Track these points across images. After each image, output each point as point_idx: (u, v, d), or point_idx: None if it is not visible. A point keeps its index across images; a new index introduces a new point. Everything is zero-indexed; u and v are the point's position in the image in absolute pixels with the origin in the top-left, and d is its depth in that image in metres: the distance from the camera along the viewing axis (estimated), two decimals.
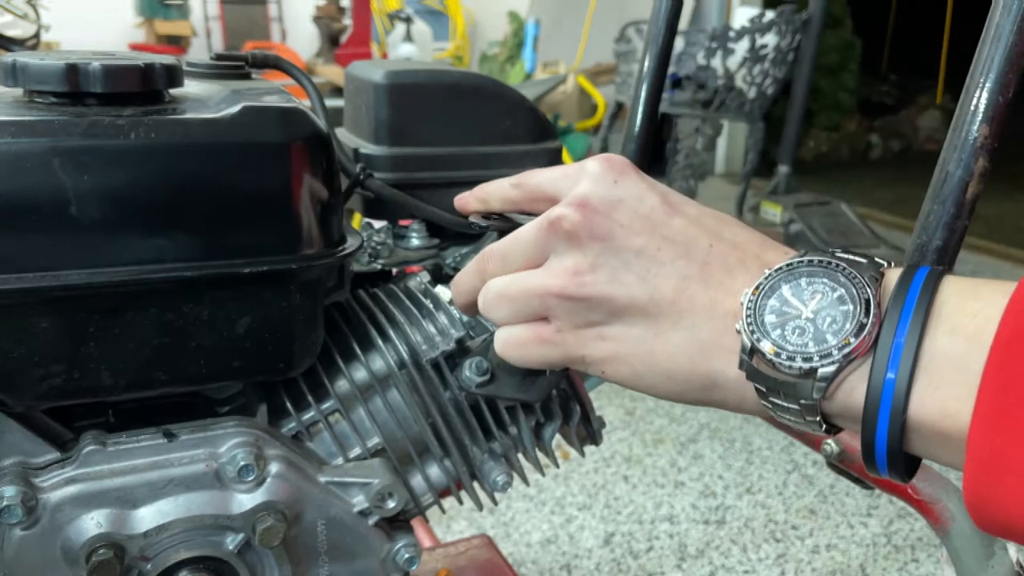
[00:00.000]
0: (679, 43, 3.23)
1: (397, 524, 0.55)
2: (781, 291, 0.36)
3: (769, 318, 0.36)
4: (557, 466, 0.63)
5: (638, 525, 1.78)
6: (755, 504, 1.87)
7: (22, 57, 0.45)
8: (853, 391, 0.34)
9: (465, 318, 0.56)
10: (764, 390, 0.37)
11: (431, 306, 0.58)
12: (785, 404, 0.36)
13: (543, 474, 0.62)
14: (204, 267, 0.46)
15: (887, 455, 0.35)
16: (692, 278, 0.39)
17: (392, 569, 0.54)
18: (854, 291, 0.35)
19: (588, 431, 0.59)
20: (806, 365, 0.35)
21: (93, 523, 0.46)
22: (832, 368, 0.34)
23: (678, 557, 1.68)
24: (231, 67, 0.62)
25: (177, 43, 4.93)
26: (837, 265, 0.36)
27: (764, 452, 2.07)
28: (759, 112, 3.31)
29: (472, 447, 0.56)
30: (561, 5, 5.04)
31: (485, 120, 0.66)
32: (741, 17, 3.35)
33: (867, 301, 0.35)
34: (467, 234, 0.66)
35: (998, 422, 0.31)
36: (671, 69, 3.10)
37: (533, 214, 0.50)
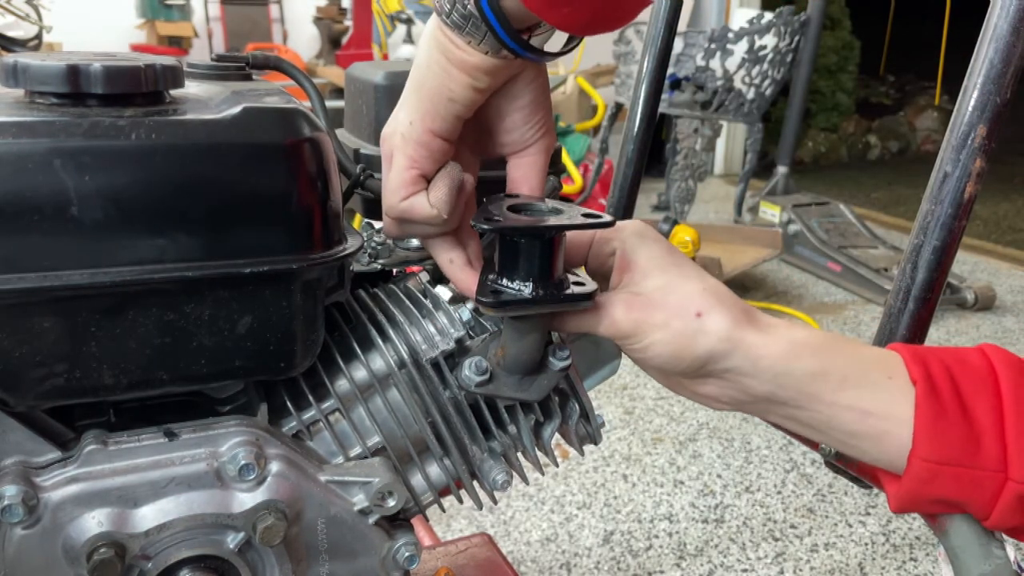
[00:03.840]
0: (678, 44, 3.24)
1: (397, 523, 0.55)
2: None
3: None
4: (556, 465, 0.63)
5: (637, 524, 1.78)
6: (754, 503, 1.87)
7: (23, 58, 0.45)
8: None
9: (465, 318, 0.57)
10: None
11: (431, 306, 0.58)
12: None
13: (543, 473, 0.62)
14: (205, 267, 0.46)
15: None
16: None
17: (392, 567, 0.54)
18: None
19: (587, 430, 0.59)
20: None
21: (94, 522, 0.46)
22: None
23: (677, 556, 1.69)
24: (232, 68, 0.62)
25: (178, 44, 4.92)
26: None
27: (763, 451, 2.07)
28: (758, 113, 3.32)
29: (472, 446, 0.56)
30: None
31: None
32: (740, 18, 3.36)
33: None
34: None
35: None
36: (670, 70, 3.11)
37: (535, 216, 0.50)
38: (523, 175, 0.54)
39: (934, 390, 0.46)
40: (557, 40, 0.51)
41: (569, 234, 0.54)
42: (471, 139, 0.54)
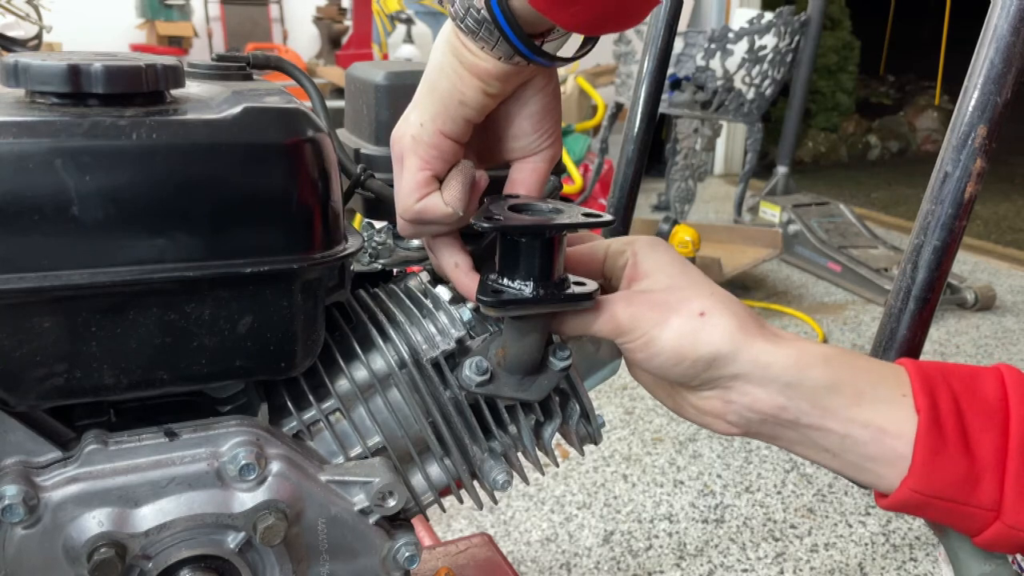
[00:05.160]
0: (678, 44, 3.24)
1: (397, 523, 0.55)
2: None
3: None
4: (557, 465, 0.63)
5: (637, 524, 1.78)
6: (754, 503, 1.87)
7: (24, 58, 0.45)
8: None
9: (466, 318, 0.57)
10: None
11: (431, 306, 0.58)
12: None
13: (543, 473, 0.62)
14: (206, 267, 0.46)
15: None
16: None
17: (393, 567, 0.54)
18: None
19: (588, 430, 0.59)
20: None
21: (95, 522, 0.46)
22: None
23: (677, 556, 1.69)
24: (232, 68, 0.62)
25: (178, 44, 4.93)
26: None
27: (763, 451, 2.07)
28: (758, 113, 3.32)
29: (472, 446, 0.56)
30: None
31: None
32: (740, 18, 3.36)
33: None
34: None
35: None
36: (670, 70, 3.10)
37: (536, 215, 0.50)
38: (523, 179, 0.54)
39: (937, 423, 0.45)
40: (570, 45, 0.52)
41: (583, 247, 0.55)
42: (478, 144, 0.54)
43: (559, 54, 0.49)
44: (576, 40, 0.51)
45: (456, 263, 0.54)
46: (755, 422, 0.48)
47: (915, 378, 0.47)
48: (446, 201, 0.50)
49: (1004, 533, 0.44)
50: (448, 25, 0.49)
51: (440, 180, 0.51)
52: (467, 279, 0.53)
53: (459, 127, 0.50)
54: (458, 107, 0.49)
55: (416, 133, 0.50)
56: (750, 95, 3.23)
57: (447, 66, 0.49)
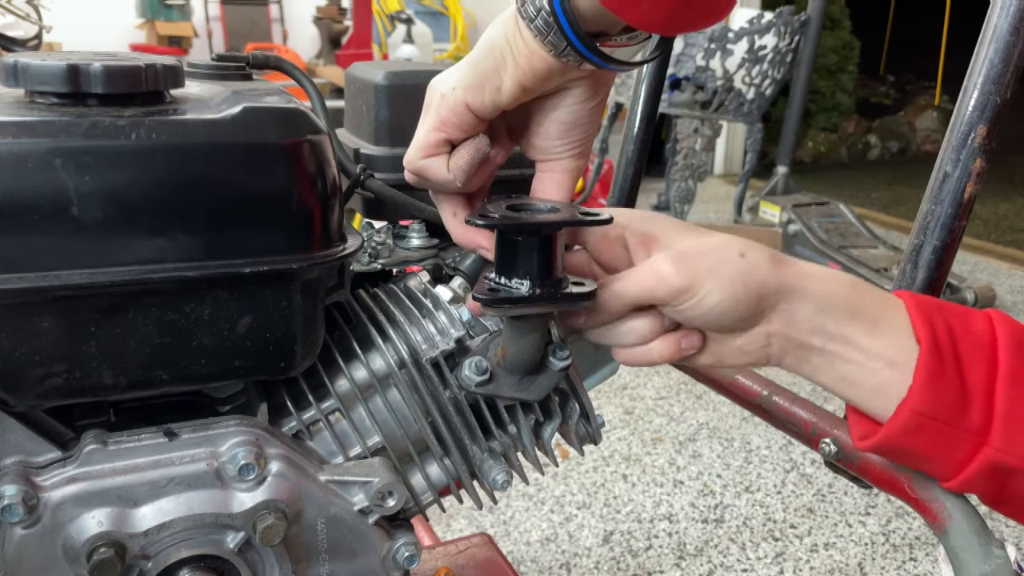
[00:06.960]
0: (678, 44, 3.24)
1: (397, 522, 0.55)
2: None
3: None
4: (556, 465, 0.63)
5: (637, 524, 1.78)
6: (753, 503, 1.87)
7: (24, 58, 0.45)
8: None
9: (465, 317, 0.57)
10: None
11: (431, 306, 0.58)
12: None
13: (542, 473, 0.62)
14: (205, 267, 0.46)
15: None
16: None
17: (392, 567, 0.54)
18: None
19: (587, 430, 0.59)
20: None
21: (94, 522, 0.46)
22: None
23: (677, 556, 1.69)
24: (232, 68, 0.62)
25: (178, 44, 4.93)
26: None
27: (763, 451, 2.07)
28: (758, 113, 3.32)
29: (472, 446, 0.56)
30: None
31: None
32: (740, 18, 3.36)
33: None
34: None
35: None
36: (670, 70, 3.10)
37: (535, 215, 0.50)
38: (542, 189, 0.54)
39: (937, 349, 0.47)
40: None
41: (578, 256, 0.54)
42: (510, 125, 0.54)
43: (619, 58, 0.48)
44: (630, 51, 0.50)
45: (455, 213, 0.54)
46: (791, 348, 0.51)
47: (913, 311, 0.50)
48: (450, 167, 0.51)
49: (992, 458, 0.46)
50: (511, 8, 0.49)
51: (453, 145, 0.52)
52: (463, 229, 0.54)
53: (486, 107, 0.50)
54: (492, 91, 0.49)
55: (445, 92, 0.51)
56: (750, 95, 3.23)
57: (496, 47, 0.49)
